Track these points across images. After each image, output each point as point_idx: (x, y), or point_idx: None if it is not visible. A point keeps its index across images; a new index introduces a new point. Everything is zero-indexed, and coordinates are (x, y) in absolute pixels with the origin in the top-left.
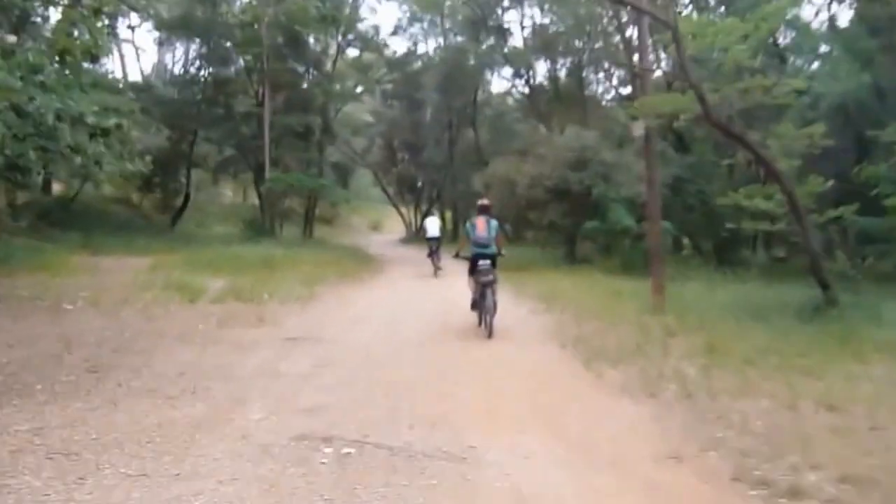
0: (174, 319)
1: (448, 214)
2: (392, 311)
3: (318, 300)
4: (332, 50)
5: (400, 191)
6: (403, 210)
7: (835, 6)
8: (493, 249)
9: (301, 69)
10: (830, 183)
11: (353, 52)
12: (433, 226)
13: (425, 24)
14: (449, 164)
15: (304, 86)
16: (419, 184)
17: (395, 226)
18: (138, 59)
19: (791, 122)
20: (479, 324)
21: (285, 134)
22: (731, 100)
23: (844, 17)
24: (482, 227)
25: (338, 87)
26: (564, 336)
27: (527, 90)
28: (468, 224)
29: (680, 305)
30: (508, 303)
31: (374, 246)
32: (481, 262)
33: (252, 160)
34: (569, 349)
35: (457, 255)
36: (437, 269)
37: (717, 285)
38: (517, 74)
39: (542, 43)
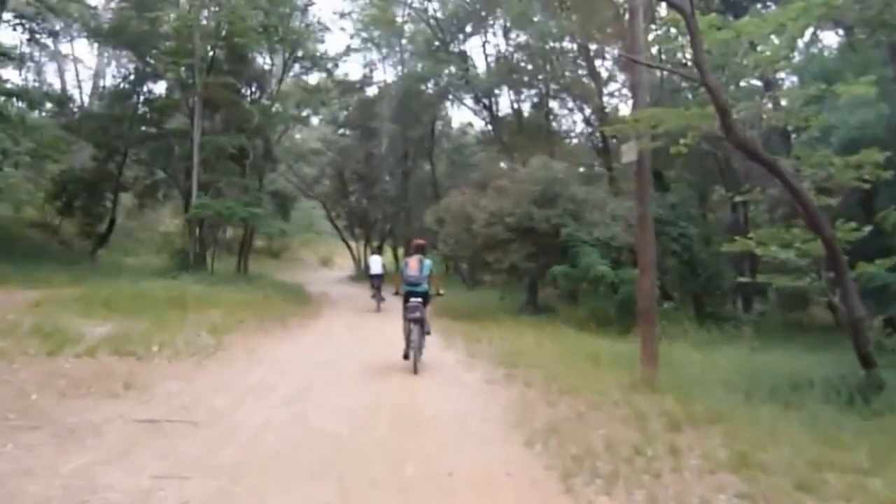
0: (5, 384)
1: (401, 251)
2: (311, 374)
3: (223, 354)
4: (279, 69)
5: (350, 225)
6: (353, 245)
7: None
8: (423, 288)
9: (243, 88)
10: (868, 230)
11: (304, 75)
12: (376, 264)
13: (383, 50)
14: (403, 197)
15: (245, 106)
16: (372, 218)
17: (346, 262)
18: (77, 74)
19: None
20: (411, 358)
21: (219, 156)
22: (746, 118)
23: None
24: (414, 266)
25: (277, 107)
26: (531, 425)
27: (489, 118)
28: (402, 263)
29: (675, 378)
30: (459, 366)
31: (319, 283)
32: (412, 299)
33: (183, 184)
34: (538, 449)
35: (396, 293)
36: (379, 304)
37: (711, 348)
38: (479, 102)
39: (508, 70)
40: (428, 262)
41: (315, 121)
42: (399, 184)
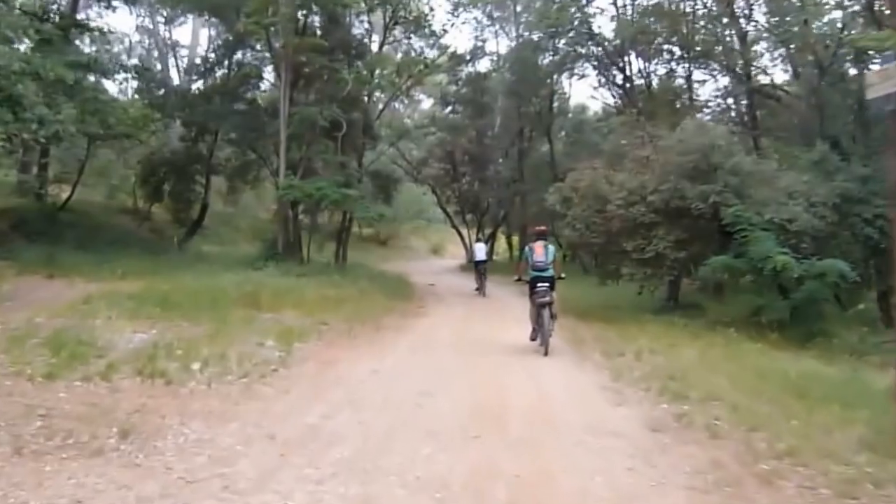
0: None
1: (515, 239)
2: (396, 410)
3: (286, 373)
4: (378, 36)
5: (462, 210)
6: (465, 232)
7: None
8: (550, 272)
9: (337, 54)
10: None
11: (407, 41)
12: (481, 251)
13: (496, 13)
14: (518, 180)
15: (340, 72)
16: (484, 203)
17: (457, 250)
18: (175, 55)
19: None
20: (540, 343)
21: (311, 131)
22: None
23: None
24: (540, 251)
25: (378, 79)
26: None
27: (622, 80)
28: (527, 248)
29: None
30: (602, 395)
31: (426, 273)
32: (539, 284)
33: (276, 165)
34: None
35: (518, 279)
36: (483, 290)
37: None
38: (608, 67)
39: (639, 31)
40: (552, 247)
41: (424, 101)
42: (513, 165)
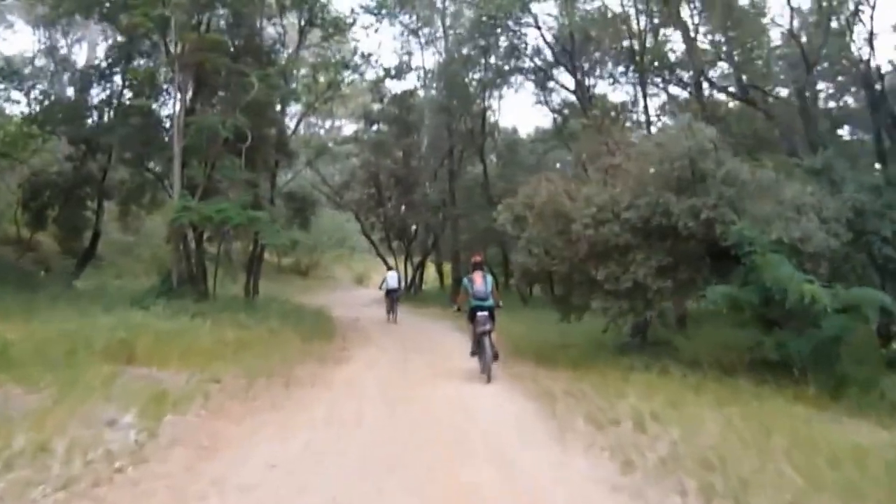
0: None
1: (447, 268)
2: None
3: (133, 475)
4: (293, 41)
5: (387, 237)
6: (392, 261)
7: None
8: (490, 302)
9: (248, 60)
10: None
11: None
12: (393, 279)
13: (421, 27)
14: (449, 203)
15: (245, 74)
16: (412, 229)
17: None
18: (71, 69)
19: None
20: (482, 371)
21: (212, 144)
22: None
23: None
24: (479, 281)
25: (292, 81)
26: None
27: (575, 81)
28: (466, 279)
29: None
30: (613, 498)
31: (350, 305)
32: (479, 313)
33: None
34: None
35: (458, 309)
36: (394, 317)
37: None
38: (560, 65)
39: (584, 36)
40: (490, 277)
41: (345, 126)
42: (443, 188)
